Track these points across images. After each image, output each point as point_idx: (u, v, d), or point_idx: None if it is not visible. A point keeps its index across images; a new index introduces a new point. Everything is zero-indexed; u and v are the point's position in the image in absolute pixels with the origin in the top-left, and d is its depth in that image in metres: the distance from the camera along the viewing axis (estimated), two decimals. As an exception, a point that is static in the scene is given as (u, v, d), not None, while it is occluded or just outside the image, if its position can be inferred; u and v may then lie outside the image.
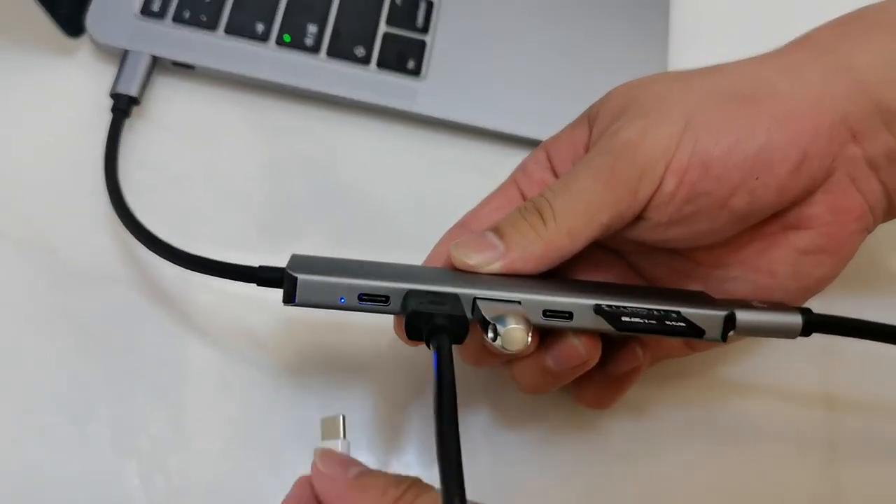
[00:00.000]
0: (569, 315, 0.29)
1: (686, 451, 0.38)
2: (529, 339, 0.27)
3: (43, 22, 0.39)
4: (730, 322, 0.30)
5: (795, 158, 0.29)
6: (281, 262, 0.30)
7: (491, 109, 0.42)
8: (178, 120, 0.41)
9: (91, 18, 0.41)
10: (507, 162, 0.37)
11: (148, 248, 0.34)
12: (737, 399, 0.39)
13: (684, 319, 0.29)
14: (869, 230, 0.32)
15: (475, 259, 0.30)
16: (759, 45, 0.33)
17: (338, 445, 0.30)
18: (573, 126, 0.34)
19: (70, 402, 0.35)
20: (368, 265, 0.31)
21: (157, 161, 0.40)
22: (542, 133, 0.40)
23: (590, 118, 0.33)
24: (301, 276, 0.28)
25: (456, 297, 0.28)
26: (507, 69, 0.43)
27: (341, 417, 0.31)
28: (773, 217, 0.31)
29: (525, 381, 0.33)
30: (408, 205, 0.41)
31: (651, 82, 0.32)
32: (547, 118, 0.39)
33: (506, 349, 0.27)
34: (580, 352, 0.30)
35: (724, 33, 0.47)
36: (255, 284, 0.30)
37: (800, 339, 0.31)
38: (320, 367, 0.37)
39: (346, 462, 0.29)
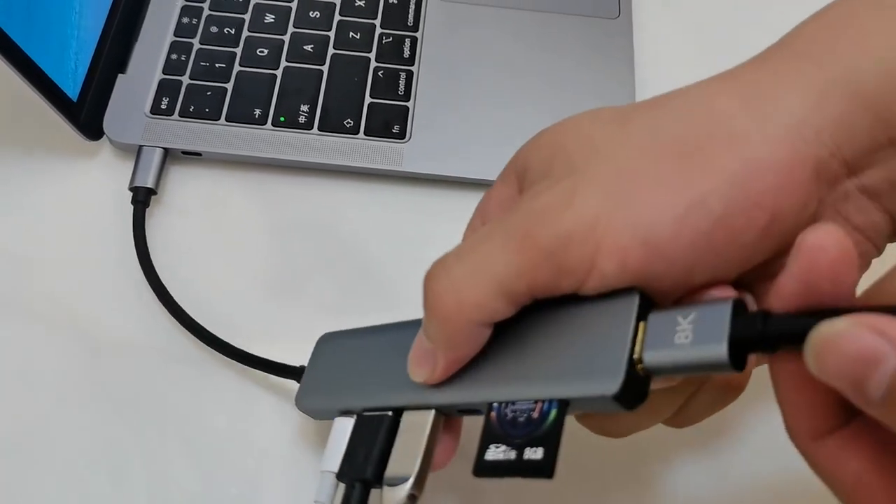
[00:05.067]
0: (477, 412, 0.27)
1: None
2: None
3: (66, 130, 0.44)
4: (631, 389, 0.23)
5: (762, 222, 0.24)
6: (293, 317, 0.37)
7: (471, 160, 0.45)
8: (191, 203, 0.45)
9: (108, 121, 0.46)
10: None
11: (194, 335, 0.40)
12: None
13: (547, 441, 0.23)
14: (873, 258, 0.27)
15: (421, 376, 0.28)
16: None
17: None
18: (501, 180, 0.30)
19: (107, 463, 0.38)
20: (372, 368, 0.33)
21: (176, 242, 0.44)
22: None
23: (517, 171, 0.29)
24: (301, 405, 0.35)
25: (386, 418, 0.30)
26: (482, 122, 0.47)
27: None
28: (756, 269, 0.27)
29: None
30: (404, 256, 0.44)
31: (582, 125, 0.27)
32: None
33: None
34: None
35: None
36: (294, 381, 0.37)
37: None
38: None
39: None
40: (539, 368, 0.25)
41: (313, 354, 0.36)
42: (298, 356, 0.38)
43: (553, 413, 0.24)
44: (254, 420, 0.40)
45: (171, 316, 0.41)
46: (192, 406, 0.40)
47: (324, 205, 0.45)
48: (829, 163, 0.24)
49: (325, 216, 0.45)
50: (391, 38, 0.49)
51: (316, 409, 0.35)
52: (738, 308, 0.23)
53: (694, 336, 0.23)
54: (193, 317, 0.41)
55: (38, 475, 0.38)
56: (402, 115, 0.46)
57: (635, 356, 0.23)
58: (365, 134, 0.46)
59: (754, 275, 0.26)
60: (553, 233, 0.24)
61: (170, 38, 0.48)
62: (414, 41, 0.49)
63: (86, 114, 0.45)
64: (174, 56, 0.48)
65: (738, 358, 0.22)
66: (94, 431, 0.39)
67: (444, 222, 0.45)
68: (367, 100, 0.47)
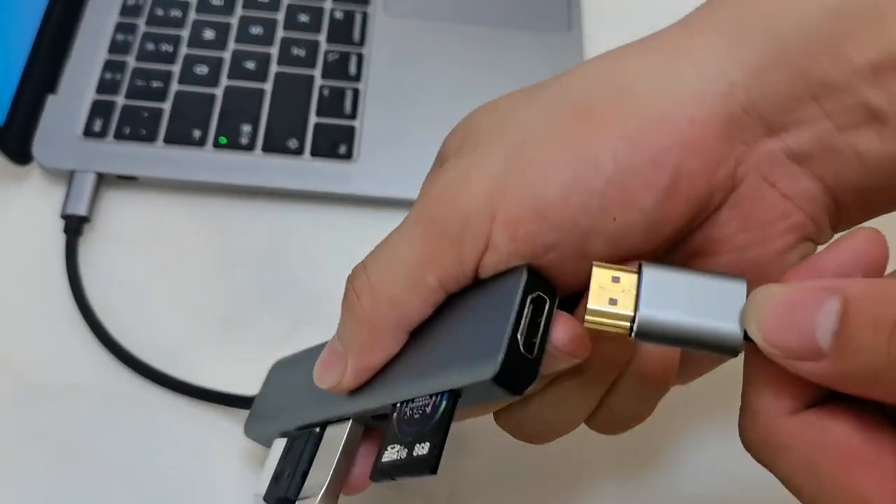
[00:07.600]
0: (387, 416, 0.26)
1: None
2: None
3: (-9, 155, 0.42)
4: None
5: (663, 182, 0.22)
6: (240, 349, 0.36)
7: (421, 181, 0.44)
8: (127, 230, 0.43)
9: (37, 145, 0.43)
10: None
11: (134, 371, 0.38)
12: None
13: (433, 435, 0.22)
14: (814, 240, 0.25)
15: (328, 382, 0.27)
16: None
17: None
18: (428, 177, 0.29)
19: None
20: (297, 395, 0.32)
21: (112, 273, 0.42)
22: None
23: (440, 161, 0.28)
24: (248, 432, 0.34)
25: (312, 435, 0.29)
26: (432, 141, 0.44)
27: None
28: (679, 245, 0.25)
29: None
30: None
31: (497, 102, 0.26)
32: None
33: None
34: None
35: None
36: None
37: None
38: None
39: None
40: (435, 362, 0.24)
41: (264, 382, 0.35)
42: (248, 390, 0.36)
43: (443, 405, 0.22)
44: (201, 457, 0.37)
45: (108, 351, 0.39)
46: (136, 446, 0.38)
47: (269, 229, 0.43)
48: (743, 119, 0.23)
49: (270, 241, 0.43)
50: (337, 55, 0.47)
51: (260, 434, 0.34)
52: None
53: None
54: (132, 352, 0.38)
55: (-36, 528, 0.36)
56: (349, 135, 0.45)
57: (520, 335, 0.22)
58: (311, 155, 0.44)
59: (684, 252, 0.25)
60: (451, 214, 0.23)
61: (103, 55, 0.46)
62: (360, 57, 0.47)
63: (13, 137, 0.43)
64: (108, 75, 0.45)
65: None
66: (34, 480, 0.36)
67: (394, 245, 0.44)
68: (313, 119, 0.45)
